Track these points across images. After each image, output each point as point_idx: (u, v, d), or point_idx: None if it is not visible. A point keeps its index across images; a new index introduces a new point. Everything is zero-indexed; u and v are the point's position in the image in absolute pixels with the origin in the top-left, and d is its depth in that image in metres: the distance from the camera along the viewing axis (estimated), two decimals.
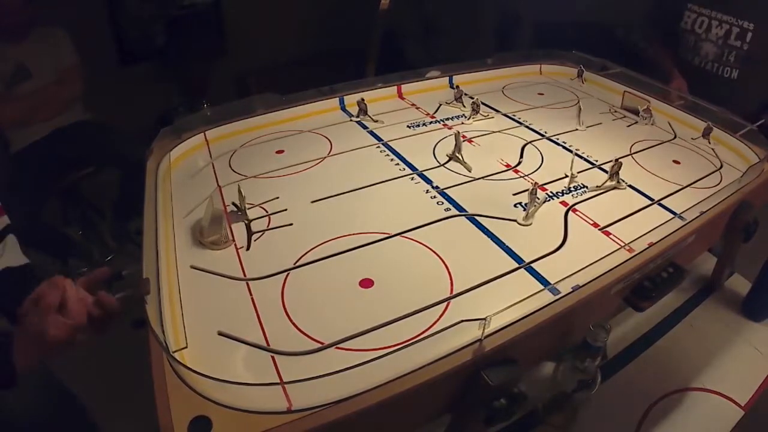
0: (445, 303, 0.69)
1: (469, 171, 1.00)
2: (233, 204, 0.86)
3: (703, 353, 0.98)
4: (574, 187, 0.96)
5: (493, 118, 1.25)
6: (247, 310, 0.68)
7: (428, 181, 0.98)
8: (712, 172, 1.05)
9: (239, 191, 0.84)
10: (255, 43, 2.78)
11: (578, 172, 1.02)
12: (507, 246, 0.81)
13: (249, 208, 0.84)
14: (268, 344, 0.63)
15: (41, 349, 0.63)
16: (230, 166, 1.02)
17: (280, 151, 1.08)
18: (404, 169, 1.01)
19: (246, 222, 0.82)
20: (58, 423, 1.02)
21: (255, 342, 0.62)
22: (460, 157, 1.04)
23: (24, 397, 0.94)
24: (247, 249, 0.79)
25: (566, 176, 0.99)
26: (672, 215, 0.89)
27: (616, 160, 0.95)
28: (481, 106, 1.24)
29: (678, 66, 1.61)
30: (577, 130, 1.20)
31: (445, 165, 1.03)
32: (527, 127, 1.21)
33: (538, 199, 0.89)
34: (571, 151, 1.10)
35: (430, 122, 1.22)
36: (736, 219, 0.94)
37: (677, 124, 1.26)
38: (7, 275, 0.84)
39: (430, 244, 0.80)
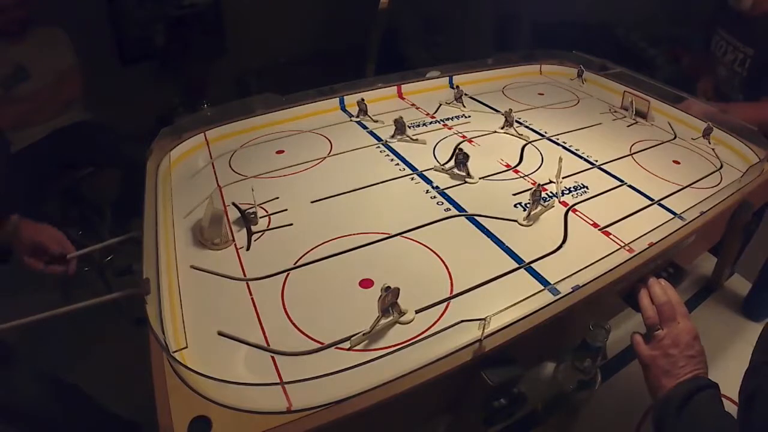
0: (445, 303, 0.70)
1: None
2: (233, 205, 0.85)
3: None
4: (563, 191, 0.96)
5: (495, 112, 1.25)
6: (247, 310, 0.68)
7: (428, 181, 0.98)
8: (712, 172, 1.05)
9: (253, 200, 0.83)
10: (255, 43, 2.77)
11: (577, 172, 1.02)
12: (507, 246, 0.81)
13: (248, 209, 0.84)
14: (268, 344, 0.63)
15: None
16: (230, 166, 1.02)
17: (280, 151, 1.08)
18: (404, 169, 1.01)
19: (248, 226, 0.82)
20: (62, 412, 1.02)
21: (255, 342, 0.62)
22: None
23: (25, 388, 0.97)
24: (247, 249, 0.79)
25: (551, 182, 0.98)
26: (672, 215, 0.89)
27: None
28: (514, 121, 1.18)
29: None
30: (575, 130, 1.20)
31: (445, 165, 1.03)
32: (527, 127, 1.21)
33: (544, 202, 0.89)
34: (571, 152, 1.10)
35: (430, 122, 1.22)
36: (736, 219, 0.94)
37: (677, 124, 1.26)
38: None
39: (430, 245, 0.80)
